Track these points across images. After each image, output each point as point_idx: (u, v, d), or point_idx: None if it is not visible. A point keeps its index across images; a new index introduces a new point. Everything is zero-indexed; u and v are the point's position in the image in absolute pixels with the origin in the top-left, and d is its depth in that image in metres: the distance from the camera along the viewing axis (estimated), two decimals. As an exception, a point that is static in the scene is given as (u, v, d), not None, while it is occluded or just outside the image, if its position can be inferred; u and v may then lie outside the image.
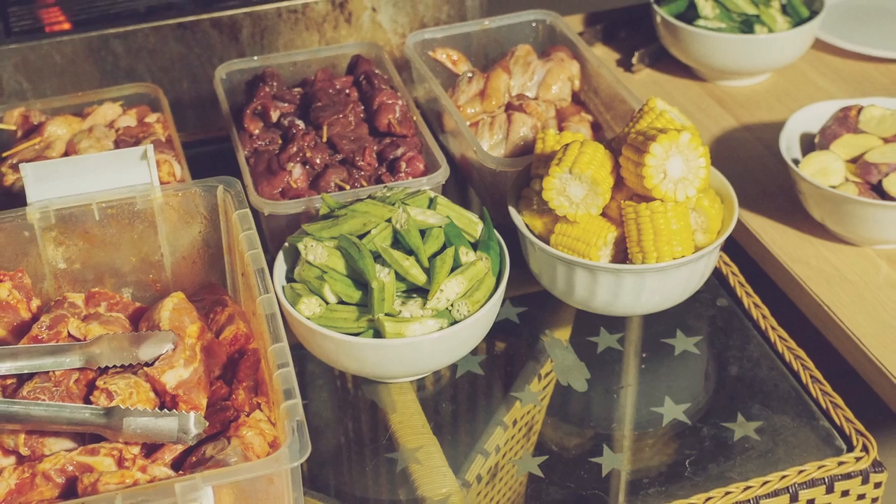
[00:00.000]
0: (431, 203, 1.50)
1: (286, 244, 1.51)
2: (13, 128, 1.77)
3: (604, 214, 1.53)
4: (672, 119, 1.53)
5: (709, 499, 1.35)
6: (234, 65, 1.88)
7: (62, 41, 2.26)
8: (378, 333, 1.40)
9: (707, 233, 1.52)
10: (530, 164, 1.62)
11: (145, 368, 1.25)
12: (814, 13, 2.11)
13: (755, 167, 1.91)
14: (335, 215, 1.48)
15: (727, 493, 1.35)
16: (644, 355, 1.56)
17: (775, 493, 1.36)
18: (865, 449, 1.40)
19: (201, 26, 2.32)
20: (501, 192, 1.65)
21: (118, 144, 1.70)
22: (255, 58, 1.89)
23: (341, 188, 1.65)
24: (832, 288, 1.65)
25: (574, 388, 1.51)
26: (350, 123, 1.74)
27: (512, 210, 1.57)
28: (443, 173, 1.62)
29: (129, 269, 1.45)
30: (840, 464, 1.38)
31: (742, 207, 1.79)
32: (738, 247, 1.79)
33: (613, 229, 1.51)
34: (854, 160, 1.72)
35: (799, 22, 2.10)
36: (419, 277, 1.42)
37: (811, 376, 1.50)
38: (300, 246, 1.44)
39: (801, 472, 1.37)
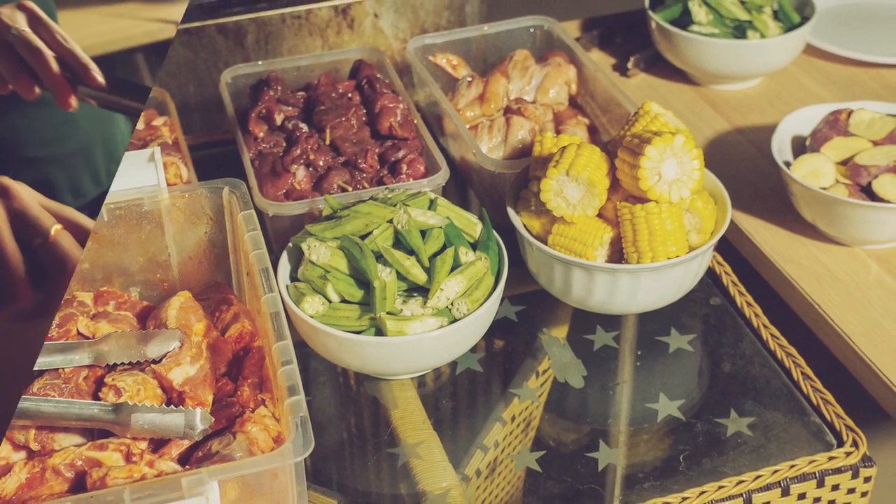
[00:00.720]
0: (432, 204, 1.51)
1: (290, 244, 1.52)
2: (22, 131, 1.78)
3: (600, 215, 1.54)
4: (666, 122, 1.53)
5: (702, 493, 1.35)
6: (240, 69, 1.88)
7: (70, 46, 2.26)
8: (380, 331, 1.41)
9: (701, 233, 1.53)
10: (528, 167, 1.62)
11: (153, 365, 1.25)
12: (805, 19, 2.12)
13: (748, 169, 1.92)
14: (338, 216, 1.49)
15: (720, 487, 1.36)
16: (639, 353, 1.57)
17: (767, 488, 1.37)
18: (855, 444, 1.40)
19: (207, 32, 2.31)
20: (500, 194, 1.66)
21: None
22: (260, 62, 1.89)
23: (344, 190, 1.66)
24: (823, 287, 1.66)
25: (571, 384, 1.52)
26: (352, 126, 1.74)
27: (510, 211, 1.58)
28: (443, 175, 1.62)
29: (136, 268, 1.45)
30: (830, 459, 1.39)
31: (735, 208, 1.79)
32: (731, 247, 1.79)
33: (609, 230, 1.52)
34: (844, 162, 1.73)
35: (790, 27, 2.10)
36: (420, 277, 1.43)
37: (802, 373, 1.51)
38: (304, 246, 1.45)
39: (792, 466, 1.38)
